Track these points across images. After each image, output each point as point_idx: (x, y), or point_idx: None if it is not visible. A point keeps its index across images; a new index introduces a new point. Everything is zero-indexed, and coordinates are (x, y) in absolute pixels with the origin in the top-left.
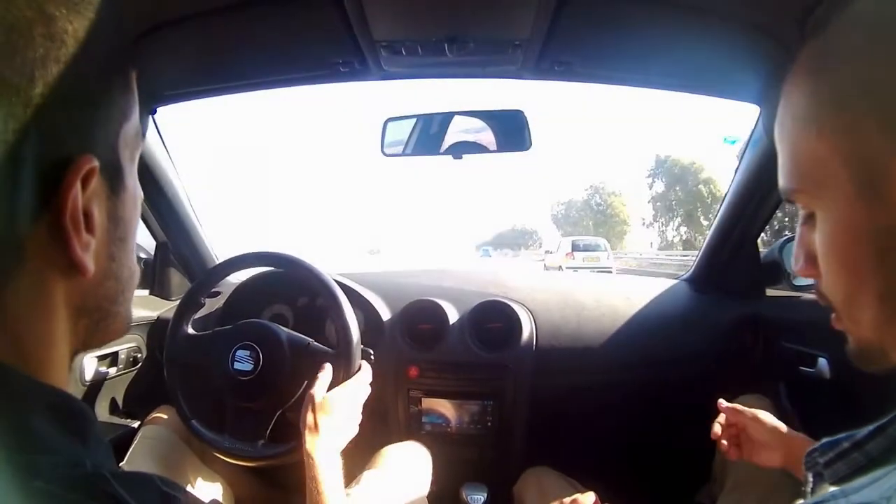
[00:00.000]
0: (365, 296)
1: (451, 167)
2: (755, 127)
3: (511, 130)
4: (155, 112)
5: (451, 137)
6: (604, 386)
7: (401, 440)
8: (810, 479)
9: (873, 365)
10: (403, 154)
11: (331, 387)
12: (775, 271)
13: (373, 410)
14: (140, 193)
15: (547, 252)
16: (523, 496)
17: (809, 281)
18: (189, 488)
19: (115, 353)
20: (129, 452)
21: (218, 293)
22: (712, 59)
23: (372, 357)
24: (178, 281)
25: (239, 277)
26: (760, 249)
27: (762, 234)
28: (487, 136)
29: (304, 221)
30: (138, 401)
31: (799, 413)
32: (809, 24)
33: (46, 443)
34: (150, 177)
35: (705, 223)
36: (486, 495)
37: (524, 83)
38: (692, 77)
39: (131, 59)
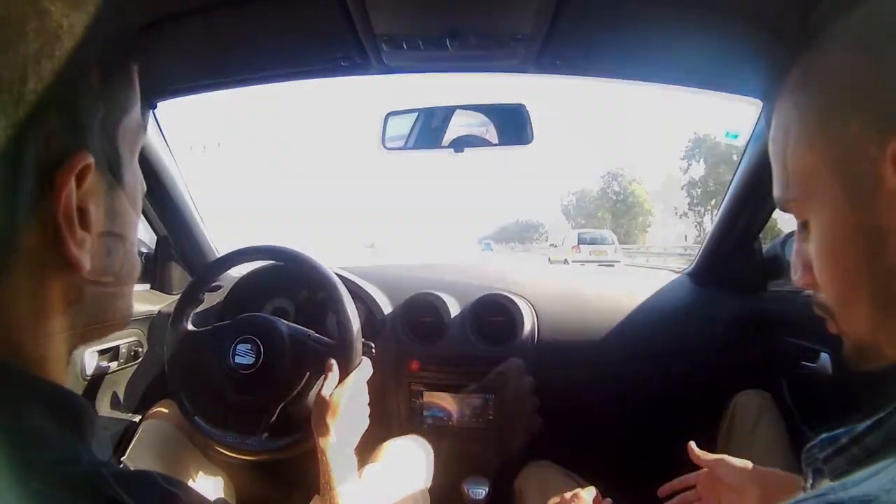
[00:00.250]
0: (366, 289)
1: (453, 160)
2: (757, 122)
3: (512, 124)
4: (155, 107)
5: (452, 131)
6: (605, 379)
7: (402, 434)
8: (809, 475)
9: (870, 364)
10: (404, 148)
11: (334, 379)
12: (777, 266)
13: (374, 404)
14: (142, 188)
15: (552, 245)
16: (524, 490)
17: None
18: (190, 483)
19: (116, 348)
20: (130, 447)
21: (219, 287)
22: (714, 53)
23: (373, 350)
24: (178, 275)
25: (240, 271)
26: (763, 244)
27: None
28: (489, 130)
29: (301, 215)
30: (139, 395)
31: (800, 408)
32: (811, 19)
33: (45, 440)
34: (150, 171)
35: None
36: (487, 489)
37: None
38: (694, 72)
39: (132, 54)
